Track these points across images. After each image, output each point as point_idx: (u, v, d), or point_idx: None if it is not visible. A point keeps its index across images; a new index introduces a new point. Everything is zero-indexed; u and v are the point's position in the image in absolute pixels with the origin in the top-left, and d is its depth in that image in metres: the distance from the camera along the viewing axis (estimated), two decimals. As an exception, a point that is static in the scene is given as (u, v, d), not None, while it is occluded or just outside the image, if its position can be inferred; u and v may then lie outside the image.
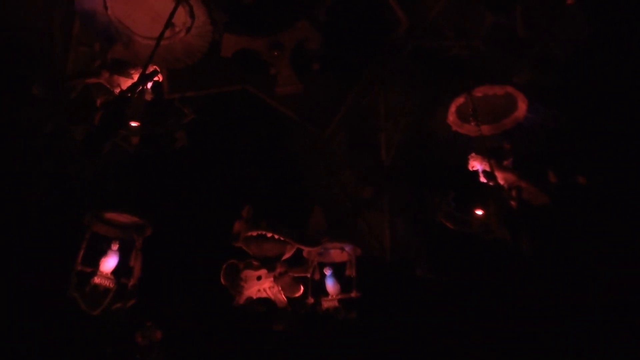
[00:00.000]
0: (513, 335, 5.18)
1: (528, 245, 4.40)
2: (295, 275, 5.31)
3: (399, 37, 5.64)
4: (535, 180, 4.70)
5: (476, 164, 4.90)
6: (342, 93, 6.17)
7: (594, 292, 4.86)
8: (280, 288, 5.27)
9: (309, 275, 5.35)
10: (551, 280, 5.02)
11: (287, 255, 5.40)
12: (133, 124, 4.31)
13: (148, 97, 4.37)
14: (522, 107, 4.91)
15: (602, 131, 5.05)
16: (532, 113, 4.97)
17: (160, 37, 4.01)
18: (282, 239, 5.18)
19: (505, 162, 4.89)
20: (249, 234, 5.15)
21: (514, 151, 4.94)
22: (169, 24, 4.12)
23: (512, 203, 4.58)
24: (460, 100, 5.03)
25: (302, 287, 5.35)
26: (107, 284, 4.67)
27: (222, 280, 5.24)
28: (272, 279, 5.25)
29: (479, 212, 4.73)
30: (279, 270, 5.24)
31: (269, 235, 5.15)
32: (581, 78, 5.06)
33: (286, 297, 5.32)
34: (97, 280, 4.68)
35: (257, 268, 5.22)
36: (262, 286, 5.22)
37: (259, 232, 5.13)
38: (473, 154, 4.91)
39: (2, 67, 5.07)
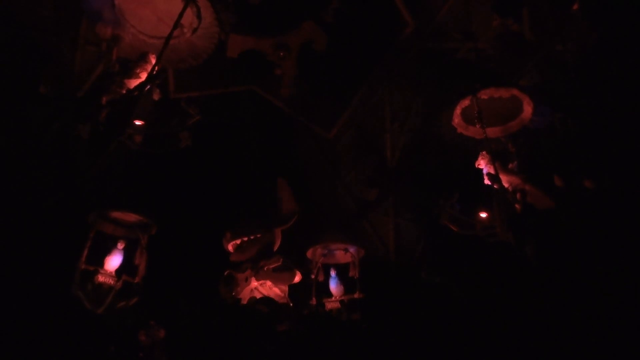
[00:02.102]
0: (516, 338, 5.16)
1: (532, 248, 4.39)
2: (271, 266, 5.30)
3: (405, 39, 5.63)
4: (540, 184, 4.68)
5: (482, 164, 4.89)
6: (347, 94, 6.17)
7: (597, 296, 4.84)
8: (269, 283, 5.27)
9: (279, 263, 5.35)
10: (555, 283, 5.00)
11: (276, 243, 5.41)
12: (137, 122, 4.34)
13: (156, 96, 4.39)
14: (527, 109, 4.89)
15: (608, 135, 5.03)
16: (538, 116, 4.95)
17: (169, 37, 4.05)
18: (251, 237, 5.20)
19: (510, 165, 4.88)
20: (228, 249, 5.30)
21: (519, 154, 4.93)
22: (177, 24, 4.15)
23: (517, 206, 4.57)
24: (465, 102, 5.01)
25: (297, 273, 5.35)
26: (111, 282, 4.70)
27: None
28: (257, 278, 5.26)
29: (483, 215, 4.72)
30: (257, 266, 5.26)
31: (239, 241, 5.22)
32: (588, 81, 5.04)
33: (283, 287, 5.30)
34: (100, 278, 4.72)
35: (244, 271, 5.24)
36: (252, 286, 5.23)
37: (233, 243, 5.23)
38: (484, 153, 4.89)
39: (11, 66, 5.10)
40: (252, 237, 5.22)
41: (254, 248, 5.26)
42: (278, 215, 5.46)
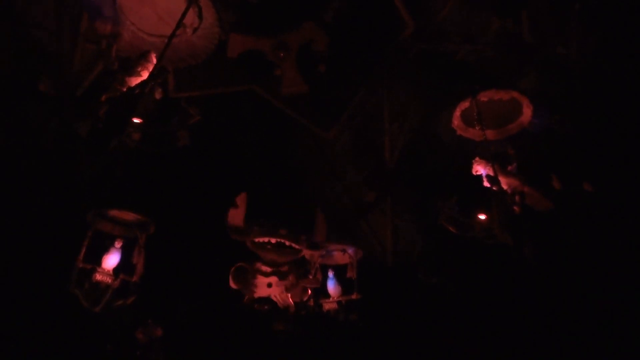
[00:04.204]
0: (514, 340, 5.17)
1: (530, 250, 4.39)
2: (307, 285, 5.25)
3: (405, 40, 5.64)
4: (538, 186, 4.69)
5: (480, 169, 4.90)
6: (347, 95, 6.17)
7: (595, 298, 4.85)
8: (289, 294, 5.19)
9: (318, 286, 5.30)
10: (553, 286, 5.01)
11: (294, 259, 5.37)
12: (135, 120, 4.34)
13: (158, 95, 4.40)
14: (527, 112, 4.90)
15: (607, 138, 5.04)
16: (537, 118, 4.96)
17: (172, 35, 4.06)
18: (295, 247, 5.12)
19: (509, 167, 4.89)
20: (267, 239, 5.07)
21: (518, 156, 4.93)
22: (180, 23, 4.16)
23: (515, 208, 4.58)
24: (465, 104, 5.02)
25: (309, 292, 5.32)
26: (108, 281, 4.69)
27: (232, 283, 5.16)
28: (283, 287, 5.13)
29: (482, 216, 4.72)
30: (290, 280, 5.15)
31: (287, 244, 5.09)
32: (587, 84, 5.05)
33: (294, 301, 5.27)
34: (98, 277, 4.71)
35: (267, 275, 5.10)
36: (272, 292, 5.11)
37: (278, 240, 5.06)
38: (477, 158, 4.90)
39: (10, 63, 5.09)
40: (287, 243, 5.07)
41: (288, 256, 5.11)
42: (311, 240, 5.34)
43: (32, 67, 5.09)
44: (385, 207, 6.42)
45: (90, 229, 4.82)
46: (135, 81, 4.50)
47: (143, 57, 4.70)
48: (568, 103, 5.08)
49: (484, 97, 4.86)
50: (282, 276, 5.07)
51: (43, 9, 5.01)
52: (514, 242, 4.46)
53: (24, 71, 5.09)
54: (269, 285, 5.09)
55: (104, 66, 4.73)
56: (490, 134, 4.95)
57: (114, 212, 4.93)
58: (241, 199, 5.17)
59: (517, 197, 4.63)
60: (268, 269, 5.10)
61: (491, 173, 4.71)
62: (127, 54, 4.77)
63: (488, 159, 4.76)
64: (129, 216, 4.97)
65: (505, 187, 4.69)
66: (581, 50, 4.97)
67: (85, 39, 5.04)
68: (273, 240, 5.06)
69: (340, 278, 5.59)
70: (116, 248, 4.88)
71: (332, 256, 5.72)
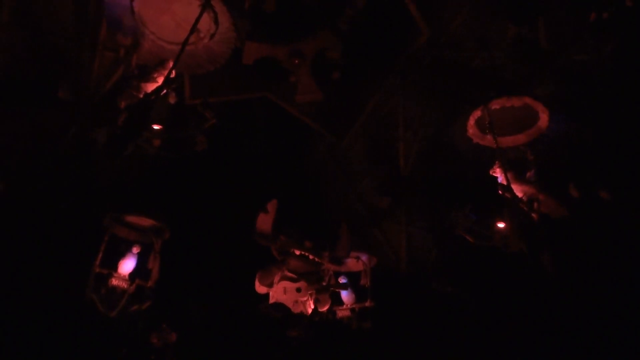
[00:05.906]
0: (531, 350, 5.11)
1: (548, 259, 4.35)
2: (336, 290, 5.25)
3: (419, 47, 5.64)
4: (554, 193, 4.64)
5: (497, 172, 4.86)
6: (361, 102, 6.19)
7: (614, 306, 4.79)
8: (312, 301, 5.17)
9: (346, 290, 5.30)
10: (571, 294, 4.95)
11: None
12: (155, 126, 4.38)
13: (172, 100, 4.43)
14: (543, 118, 4.85)
15: (625, 144, 4.99)
16: (554, 125, 4.92)
17: (185, 42, 4.09)
18: (317, 260, 5.13)
19: (527, 174, 4.84)
20: (291, 250, 5.11)
21: (538, 162, 4.89)
22: (194, 29, 4.20)
23: (533, 216, 4.53)
24: (478, 112, 4.98)
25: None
26: (124, 286, 4.72)
27: (259, 286, 5.15)
28: (311, 292, 5.11)
29: (501, 225, 4.67)
30: (317, 286, 5.14)
31: (311, 257, 5.11)
32: (604, 90, 5.02)
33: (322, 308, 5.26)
34: (114, 282, 4.75)
35: (295, 280, 5.09)
36: (300, 298, 5.09)
37: (302, 252, 5.08)
38: (499, 162, 4.86)
39: (30, 70, 5.17)
40: (311, 257, 5.10)
41: (311, 267, 5.12)
42: (332, 254, 5.35)
43: (51, 74, 5.16)
44: (399, 214, 6.41)
45: (107, 233, 4.87)
46: (151, 87, 4.53)
47: (159, 64, 4.75)
48: (585, 110, 5.04)
49: (496, 104, 4.82)
50: (311, 281, 5.06)
51: (63, 16, 5.08)
52: (530, 251, 4.41)
53: (43, 78, 5.17)
54: (298, 290, 5.08)
55: (124, 74, 4.78)
56: (507, 140, 4.92)
57: (130, 218, 4.98)
58: (272, 205, 5.18)
59: (535, 205, 4.58)
60: (294, 275, 5.09)
61: (504, 181, 4.67)
62: (146, 62, 4.81)
63: (503, 166, 4.72)
64: (145, 221, 5.01)
65: (520, 194, 4.65)
66: (599, 56, 4.94)
67: (105, 47, 5.11)
68: (297, 252, 5.07)
69: (353, 285, 5.58)
70: (132, 253, 4.92)
71: (346, 263, 5.71)
